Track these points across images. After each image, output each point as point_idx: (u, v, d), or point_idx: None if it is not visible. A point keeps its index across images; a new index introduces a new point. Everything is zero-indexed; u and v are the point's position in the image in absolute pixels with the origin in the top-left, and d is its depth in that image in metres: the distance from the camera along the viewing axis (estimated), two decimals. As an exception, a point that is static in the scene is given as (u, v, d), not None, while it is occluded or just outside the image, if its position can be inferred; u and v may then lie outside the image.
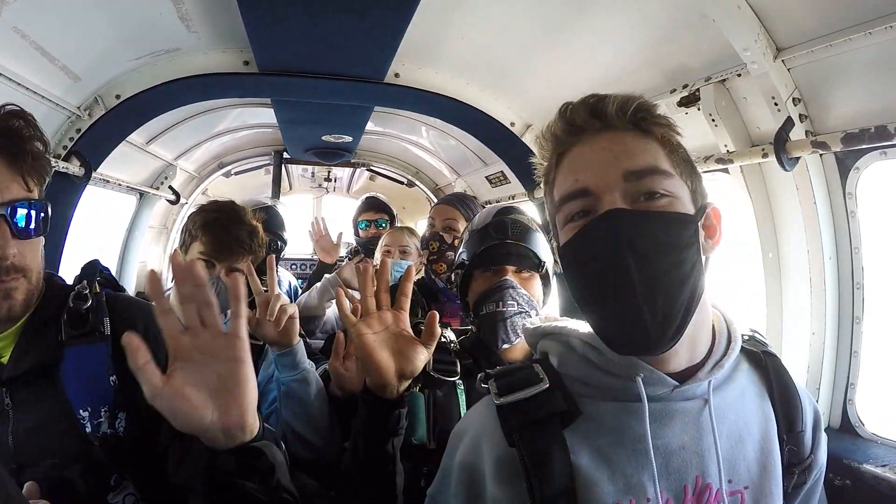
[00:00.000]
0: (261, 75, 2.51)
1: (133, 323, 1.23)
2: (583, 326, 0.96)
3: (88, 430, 1.15)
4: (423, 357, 1.15)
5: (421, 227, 2.91)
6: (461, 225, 2.54)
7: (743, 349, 0.95)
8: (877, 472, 1.48)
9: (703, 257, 0.85)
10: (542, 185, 0.98)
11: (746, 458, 0.88)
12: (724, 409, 0.88)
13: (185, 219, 2.08)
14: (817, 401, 1.73)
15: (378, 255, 2.95)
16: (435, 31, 2.30)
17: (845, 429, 1.73)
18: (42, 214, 1.10)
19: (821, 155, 1.64)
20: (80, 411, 1.15)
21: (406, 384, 1.16)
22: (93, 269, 1.30)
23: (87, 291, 1.23)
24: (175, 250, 2.00)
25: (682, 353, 0.87)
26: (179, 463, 1.08)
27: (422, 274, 2.64)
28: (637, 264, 0.79)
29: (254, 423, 0.89)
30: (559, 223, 0.90)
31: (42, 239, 1.14)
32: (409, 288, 1.18)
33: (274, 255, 2.82)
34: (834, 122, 1.52)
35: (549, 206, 0.95)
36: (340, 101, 3.00)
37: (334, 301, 2.92)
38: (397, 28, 2.03)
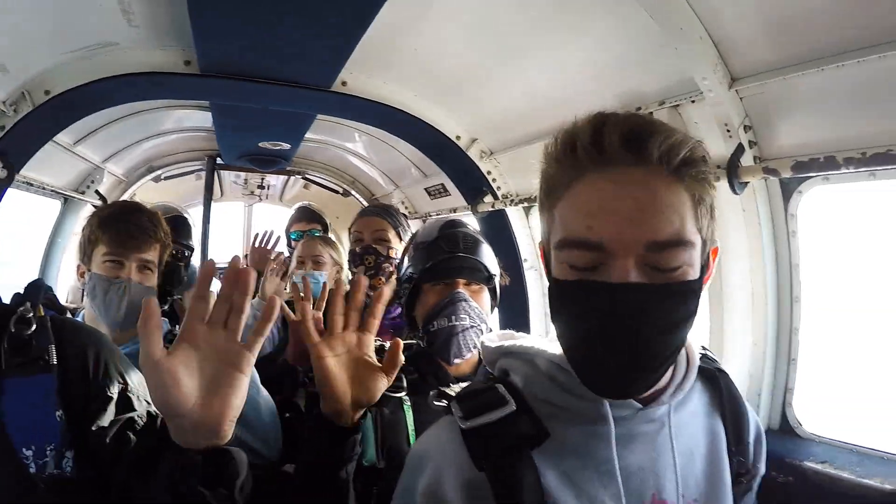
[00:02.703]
0: (203, 77, 2.38)
1: (83, 352, 1.16)
2: (549, 346, 0.95)
3: (33, 470, 1.05)
4: (381, 386, 1.12)
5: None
6: (391, 235, 2.51)
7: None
8: (817, 468, 1.60)
9: None
10: (540, 187, 0.88)
11: (695, 473, 0.92)
12: (679, 429, 0.91)
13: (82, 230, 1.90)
14: (758, 405, 1.87)
15: (292, 265, 2.89)
16: (388, 41, 2.27)
17: (785, 430, 1.86)
18: None
19: (766, 179, 1.75)
20: (24, 450, 1.04)
21: (362, 412, 1.13)
22: (37, 290, 1.19)
23: (30, 315, 1.13)
24: (78, 265, 1.87)
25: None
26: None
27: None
28: (635, 338, 0.77)
29: (228, 432, 0.86)
30: (557, 258, 0.83)
31: None
32: (381, 310, 1.14)
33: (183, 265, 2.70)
34: (780, 148, 1.63)
35: (545, 223, 0.88)
36: (284, 108, 2.91)
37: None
38: (353, 35, 1.99)
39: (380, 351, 1.20)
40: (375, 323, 1.13)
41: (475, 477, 0.87)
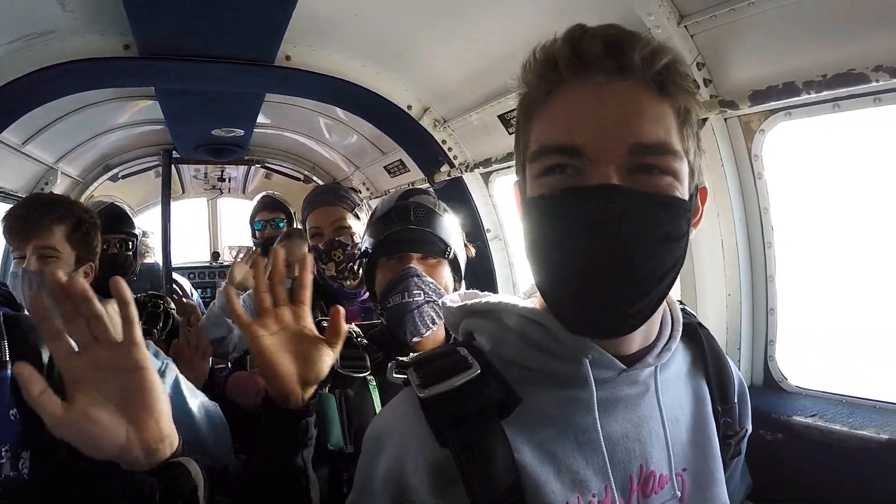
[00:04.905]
0: (142, 59, 2.26)
1: (36, 348, 1.11)
2: (519, 302, 0.85)
3: None
4: (328, 360, 1.02)
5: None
6: (350, 220, 2.34)
7: None
8: (807, 423, 1.52)
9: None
10: (517, 114, 0.80)
11: (681, 441, 0.84)
12: (662, 393, 0.83)
13: None
14: (738, 360, 1.78)
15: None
16: (329, 9, 2.16)
17: (769, 385, 1.77)
18: None
19: (726, 119, 1.66)
20: None
21: (311, 391, 1.03)
22: None
23: None
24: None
25: (638, 337, 0.79)
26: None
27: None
28: (620, 249, 0.69)
29: (172, 433, 0.78)
30: (532, 171, 0.75)
31: None
32: (309, 279, 1.04)
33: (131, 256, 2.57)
34: (736, 85, 1.54)
35: (520, 142, 0.80)
36: (228, 88, 2.80)
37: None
38: (286, 3, 1.88)
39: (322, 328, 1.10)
40: (307, 293, 1.03)
41: (441, 456, 0.76)
